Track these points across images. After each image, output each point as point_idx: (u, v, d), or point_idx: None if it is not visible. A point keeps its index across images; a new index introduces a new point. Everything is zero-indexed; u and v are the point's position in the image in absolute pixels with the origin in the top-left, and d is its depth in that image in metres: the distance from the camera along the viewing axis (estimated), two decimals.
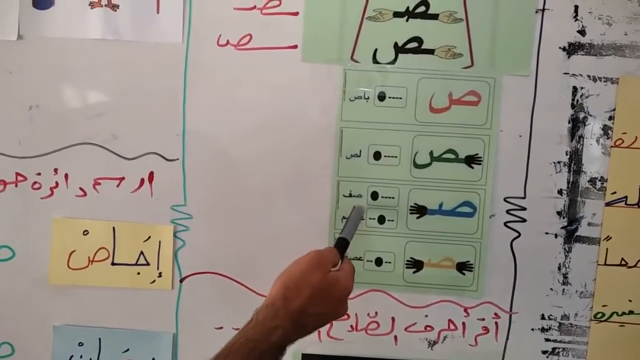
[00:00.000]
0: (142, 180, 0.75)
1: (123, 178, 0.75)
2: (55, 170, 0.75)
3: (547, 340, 0.76)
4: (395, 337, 0.77)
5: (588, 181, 0.74)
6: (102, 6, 0.72)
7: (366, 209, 0.74)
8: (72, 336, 0.78)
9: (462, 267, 0.75)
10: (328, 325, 0.76)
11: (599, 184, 0.74)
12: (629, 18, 0.71)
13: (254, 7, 0.72)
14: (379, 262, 0.75)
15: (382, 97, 0.73)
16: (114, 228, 0.76)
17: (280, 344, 0.53)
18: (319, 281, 0.55)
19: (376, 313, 0.76)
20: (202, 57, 0.73)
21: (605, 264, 0.74)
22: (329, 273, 0.57)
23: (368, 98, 0.73)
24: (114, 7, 0.72)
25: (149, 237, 0.76)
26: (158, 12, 0.73)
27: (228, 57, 0.73)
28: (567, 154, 0.73)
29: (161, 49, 0.73)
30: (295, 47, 0.73)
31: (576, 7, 0.71)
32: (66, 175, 0.75)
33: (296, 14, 0.72)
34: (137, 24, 0.73)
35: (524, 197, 0.74)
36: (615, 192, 0.73)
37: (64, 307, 0.77)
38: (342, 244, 0.63)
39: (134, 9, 0.72)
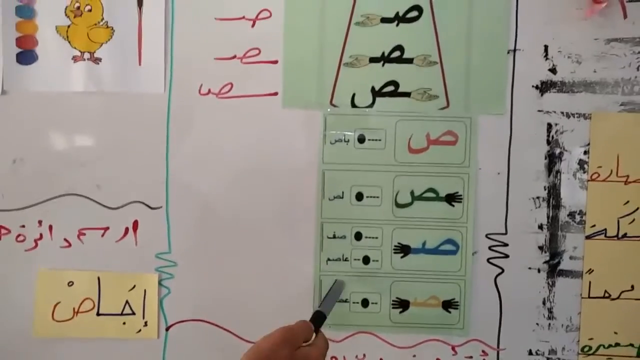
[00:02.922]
0: (127, 229, 0.75)
1: (107, 228, 0.76)
2: (40, 222, 0.76)
3: None
4: None
5: (567, 215, 0.75)
6: (84, 60, 0.74)
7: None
8: None
9: (448, 305, 0.75)
10: None
11: (578, 217, 0.75)
12: (597, 56, 0.73)
13: (234, 57, 0.74)
14: (365, 303, 0.76)
15: (361, 139, 0.75)
16: (98, 278, 0.76)
17: None
18: (287, 357, 0.53)
19: (364, 355, 0.76)
20: (184, 106, 0.75)
21: (589, 297, 0.75)
22: (299, 349, 0.55)
23: (348, 141, 0.75)
24: (97, 60, 0.74)
25: (134, 286, 0.75)
26: (140, 64, 0.74)
27: (210, 105, 0.74)
28: (545, 189, 0.75)
29: (144, 99, 0.75)
30: (275, 94, 0.74)
31: (546, 46, 0.74)
32: (50, 227, 0.76)
33: (275, 62, 0.74)
34: (120, 75, 0.74)
35: (506, 233, 0.75)
36: (594, 225, 0.74)
37: None
38: (318, 318, 0.62)
39: (116, 62, 0.74)
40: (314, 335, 0.60)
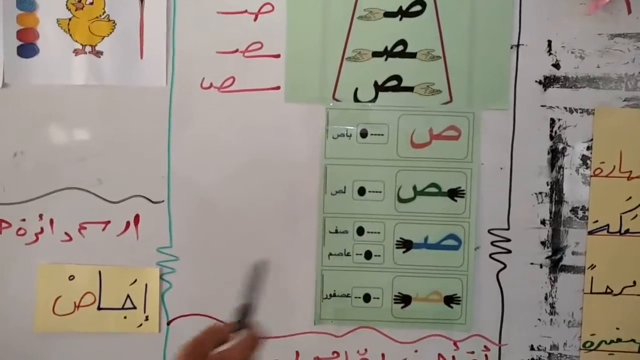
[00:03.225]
0: (128, 223, 0.75)
1: (109, 222, 0.75)
2: (40, 215, 0.75)
3: None
4: None
5: (570, 211, 0.75)
6: (86, 53, 0.74)
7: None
8: None
9: (450, 300, 0.75)
10: None
11: (580, 213, 0.75)
12: (600, 51, 0.73)
13: (236, 50, 0.74)
14: (367, 298, 0.75)
15: (364, 134, 0.74)
16: (100, 272, 0.75)
17: None
18: None
19: (366, 350, 0.76)
20: (186, 100, 0.74)
21: (591, 293, 0.75)
22: (211, 356, 0.49)
23: (350, 135, 0.74)
24: (98, 53, 0.74)
25: (135, 280, 0.75)
26: (142, 57, 0.74)
27: (212, 99, 0.74)
28: (548, 185, 0.74)
29: (145, 92, 0.74)
30: (278, 88, 0.74)
31: (549, 41, 0.73)
32: (51, 221, 0.75)
33: (278, 56, 0.74)
34: (121, 69, 0.74)
35: (508, 229, 0.75)
36: (597, 221, 0.74)
37: (50, 355, 0.76)
38: (242, 312, 0.56)
39: (118, 55, 0.74)
40: (243, 331, 0.54)
